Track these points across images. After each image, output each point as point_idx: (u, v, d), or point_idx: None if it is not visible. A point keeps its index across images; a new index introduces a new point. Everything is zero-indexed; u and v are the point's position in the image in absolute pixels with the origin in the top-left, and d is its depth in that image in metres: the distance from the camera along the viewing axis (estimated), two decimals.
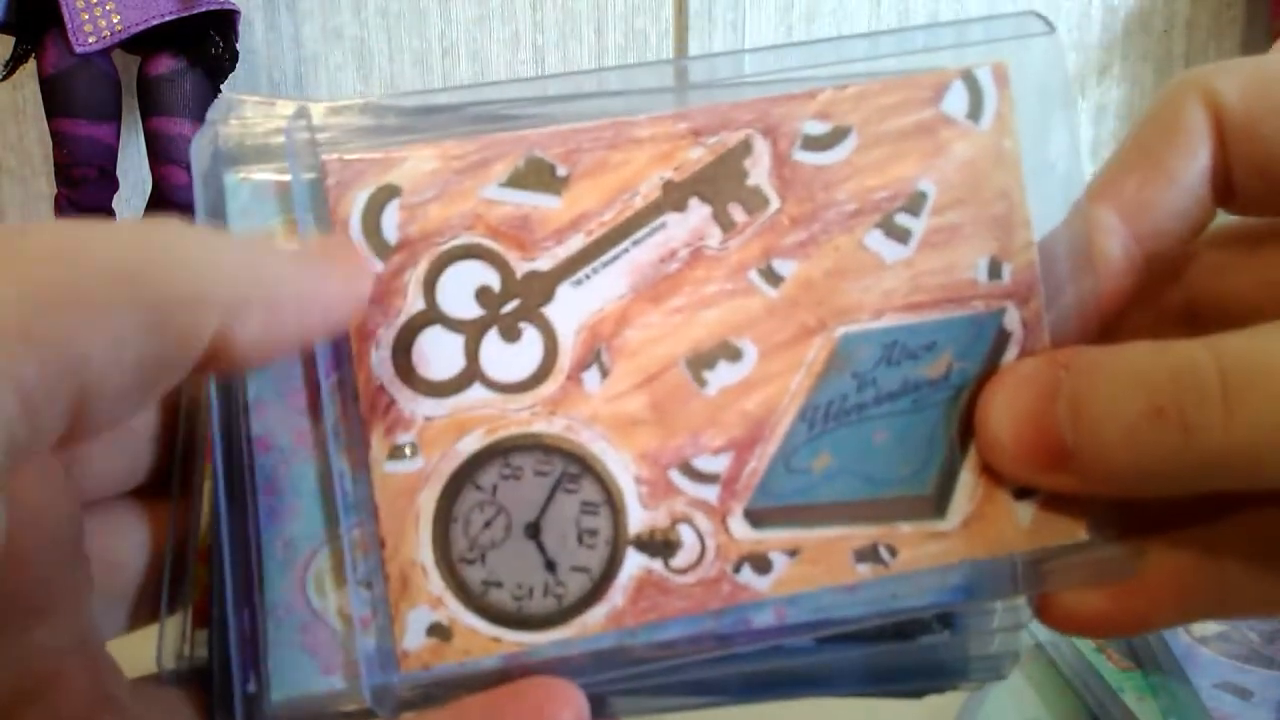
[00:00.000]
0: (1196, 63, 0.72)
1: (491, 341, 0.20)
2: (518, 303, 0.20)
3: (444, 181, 0.20)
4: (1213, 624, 0.42)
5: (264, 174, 0.19)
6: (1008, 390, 0.20)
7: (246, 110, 0.19)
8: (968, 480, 0.21)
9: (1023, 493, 0.21)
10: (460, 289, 0.20)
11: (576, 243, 0.20)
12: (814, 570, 0.20)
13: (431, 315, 0.20)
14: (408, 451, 0.19)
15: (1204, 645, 0.40)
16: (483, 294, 0.20)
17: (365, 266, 0.19)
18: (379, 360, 0.19)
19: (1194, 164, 0.20)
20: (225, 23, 0.63)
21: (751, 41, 0.69)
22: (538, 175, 0.20)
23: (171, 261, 0.15)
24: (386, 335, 0.19)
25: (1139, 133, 0.21)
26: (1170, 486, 0.18)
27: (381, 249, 0.19)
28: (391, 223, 0.20)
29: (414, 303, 0.20)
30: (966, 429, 0.21)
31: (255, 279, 0.16)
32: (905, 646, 0.21)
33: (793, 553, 0.20)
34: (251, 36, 0.69)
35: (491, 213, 0.20)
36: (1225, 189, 0.20)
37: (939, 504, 0.21)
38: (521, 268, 0.20)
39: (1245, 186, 0.20)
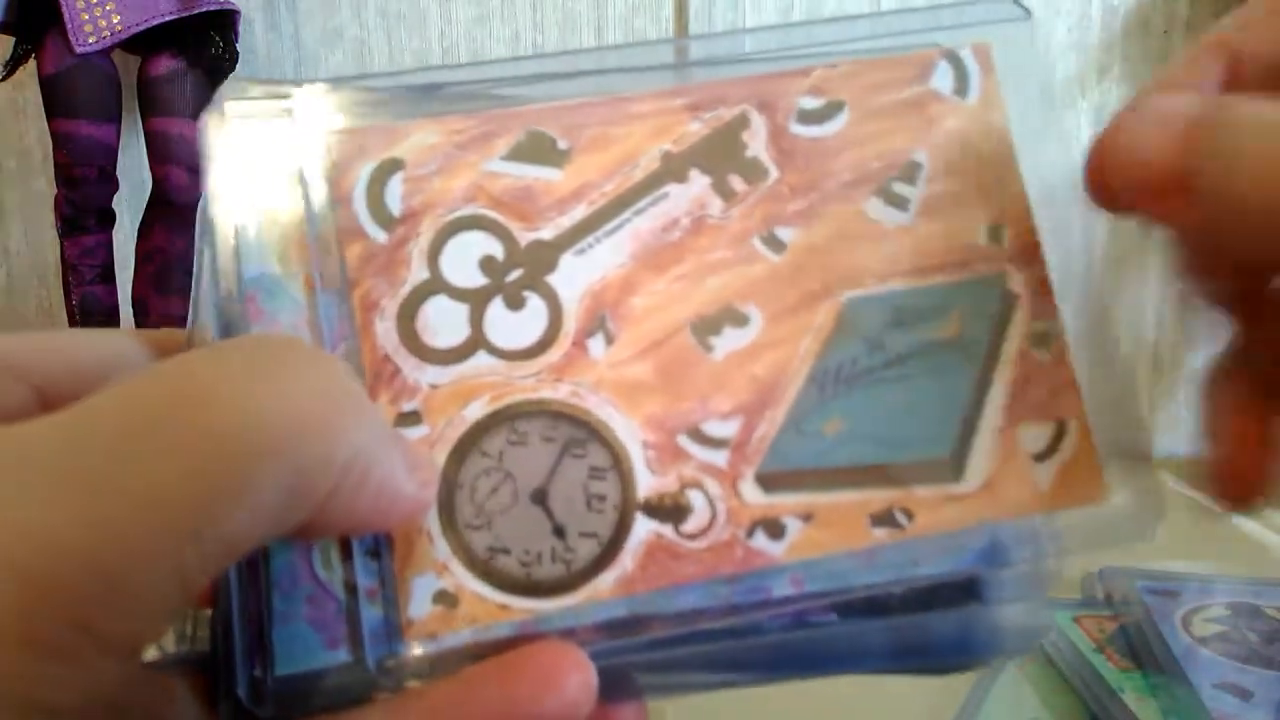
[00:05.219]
0: None
1: (496, 310, 0.20)
2: (521, 271, 0.20)
3: (446, 155, 0.20)
4: (1213, 624, 0.41)
5: (271, 149, 0.20)
6: (1135, 112, 0.18)
7: (253, 90, 0.20)
8: (986, 442, 0.20)
9: (1042, 455, 0.21)
10: (464, 259, 0.20)
11: (579, 213, 0.20)
12: (828, 535, 0.20)
13: (436, 285, 0.20)
14: (413, 418, 0.19)
15: (1204, 645, 0.40)
16: (486, 263, 0.20)
17: (436, 478, 0.19)
18: (384, 329, 0.19)
19: None
20: (225, 23, 0.63)
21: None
22: (539, 148, 0.20)
23: (310, 422, 0.15)
24: (391, 305, 0.19)
25: None
26: None
27: (385, 220, 0.20)
28: (395, 195, 0.20)
29: (418, 272, 0.20)
30: (983, 389, 0.21)
31: (366, 446, 0.16)
32: (931, 618, 0.20)
33: (806, 517, 0.20)
34: (251, 36, 0.69)
35: (494, 185, 0.20)
36: None
37: (957, 466, 0.20)
38: (525, 237, 0.20)
39: None
